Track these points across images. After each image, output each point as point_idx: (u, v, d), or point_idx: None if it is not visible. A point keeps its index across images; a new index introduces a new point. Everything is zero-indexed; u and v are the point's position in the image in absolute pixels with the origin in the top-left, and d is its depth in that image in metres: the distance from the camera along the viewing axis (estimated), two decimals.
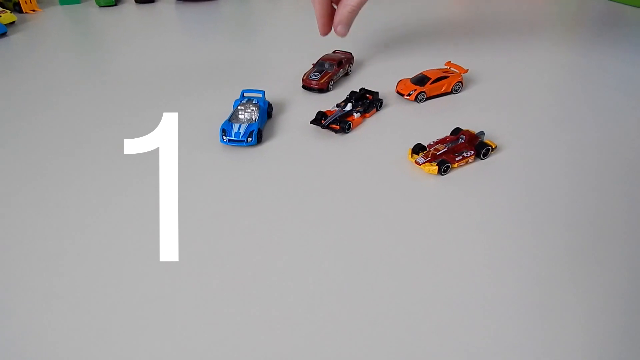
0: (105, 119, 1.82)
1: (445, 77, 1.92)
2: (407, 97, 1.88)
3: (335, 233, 1.24)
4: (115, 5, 3.40)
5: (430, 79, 1.90)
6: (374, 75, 2.18)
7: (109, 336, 0.98)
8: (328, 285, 1.09)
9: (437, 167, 1.43)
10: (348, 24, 1.84)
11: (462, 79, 1.96)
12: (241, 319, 1.01)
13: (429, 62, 2.23)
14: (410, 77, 1.97)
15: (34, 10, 3.26)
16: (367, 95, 1.86)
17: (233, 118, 1.65)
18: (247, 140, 1.58)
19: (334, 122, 1.68)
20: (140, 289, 1.09)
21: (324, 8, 1.84)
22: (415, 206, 1.33)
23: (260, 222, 1.28)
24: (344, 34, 1.86)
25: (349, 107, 1.75)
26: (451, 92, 1.96)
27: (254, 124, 1.61)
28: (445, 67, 2.04)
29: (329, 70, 2.03)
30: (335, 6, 1.89)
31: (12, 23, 2.95)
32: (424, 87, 1.88)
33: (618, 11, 3.07)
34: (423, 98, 1.89)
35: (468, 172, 1.48)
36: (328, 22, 1.88)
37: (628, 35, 2.65)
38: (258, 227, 1.26)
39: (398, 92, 1.93)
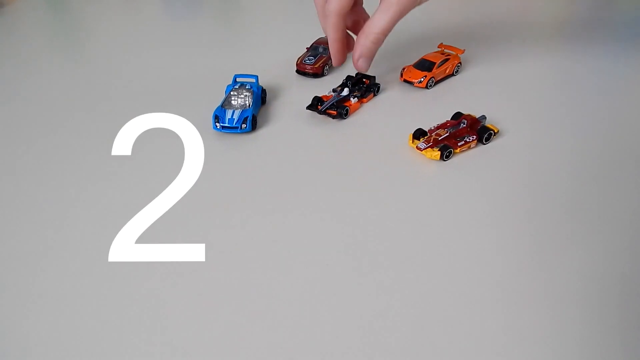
0: (91, 112, 1.74)
1: (447, 60, 1.88)
2: (418, 85, 1.82)
3: (336, 222, 1.19)
4: None
5: (434, 63, 1.84)
6: None
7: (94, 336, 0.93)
8: (328, 277, 1.04)
9: (439, 152, 1.39)
10: (371, 56, 1.52)
11: (460, 60, 1.92)
12: (239, 315, 0.97)
13: (424, 44, 2.17)
14: (413, 64, 1.91)
15: None
16: (364, 80, 1.81)
17: (226, 104, 1.59)
18: (241, 126, 1.52)
19: (331, 108, 1.63)
20: (123, 287, 1.04)
21: (339, 32, 1.49)
22: (418, 192, 1.29)
23: (257, 212, 1.23)
24: (365, 69, 1.55)
25: (345, 92, 1.69)
26: (452, 75, 1.92)
27: (248, 110, 1.55)
28: (439, 49, 1.98)
29: (324, 55, 1.96)
30: (352, 33, 1.65)
31: None
32: (432, 72, 1.82)
33: None
34: (432, 83, 1.84)
35: (470, 157, 1.44)
36: (343, 50, 1.57)
37: (623, 19, 2.61)
38: (254, 217, 1.21)
39: (405, 81, 1.85)
